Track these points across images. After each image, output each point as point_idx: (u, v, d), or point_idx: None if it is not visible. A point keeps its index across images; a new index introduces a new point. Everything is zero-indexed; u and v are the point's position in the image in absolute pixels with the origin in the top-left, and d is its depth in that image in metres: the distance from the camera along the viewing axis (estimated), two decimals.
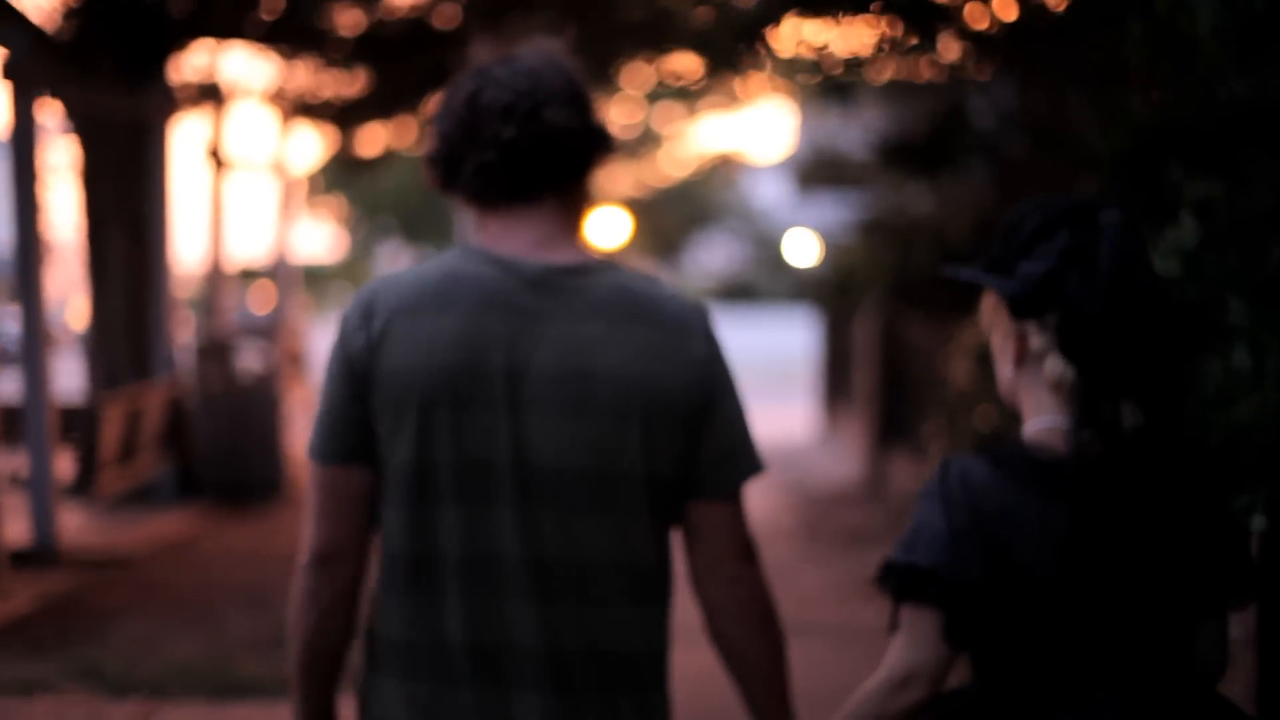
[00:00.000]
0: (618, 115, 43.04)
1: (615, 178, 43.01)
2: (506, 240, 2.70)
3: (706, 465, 2.71)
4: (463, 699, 2.65)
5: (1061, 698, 2.51)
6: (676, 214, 47.41)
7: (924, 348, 13.72)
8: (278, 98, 16.42)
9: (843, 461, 17.41)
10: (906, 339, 14.67)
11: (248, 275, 67.30)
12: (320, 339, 52.83)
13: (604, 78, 41.36)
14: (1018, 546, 2.47)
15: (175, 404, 14.06)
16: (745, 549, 2.77)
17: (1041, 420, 2.57)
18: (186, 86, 14.81)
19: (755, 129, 53.25)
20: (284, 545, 12.12)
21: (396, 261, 53.45)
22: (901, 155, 12.52)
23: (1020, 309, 2.54)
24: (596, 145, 2.74)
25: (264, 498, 14.19)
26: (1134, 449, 2.51)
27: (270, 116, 17.15)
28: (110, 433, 12.27)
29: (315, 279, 59.52)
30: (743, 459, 2.75)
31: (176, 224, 14.38)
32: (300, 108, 16.65)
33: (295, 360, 15.22)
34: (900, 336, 14.76)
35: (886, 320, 14.87)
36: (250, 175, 17.17)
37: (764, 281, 53.47)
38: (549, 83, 2.69)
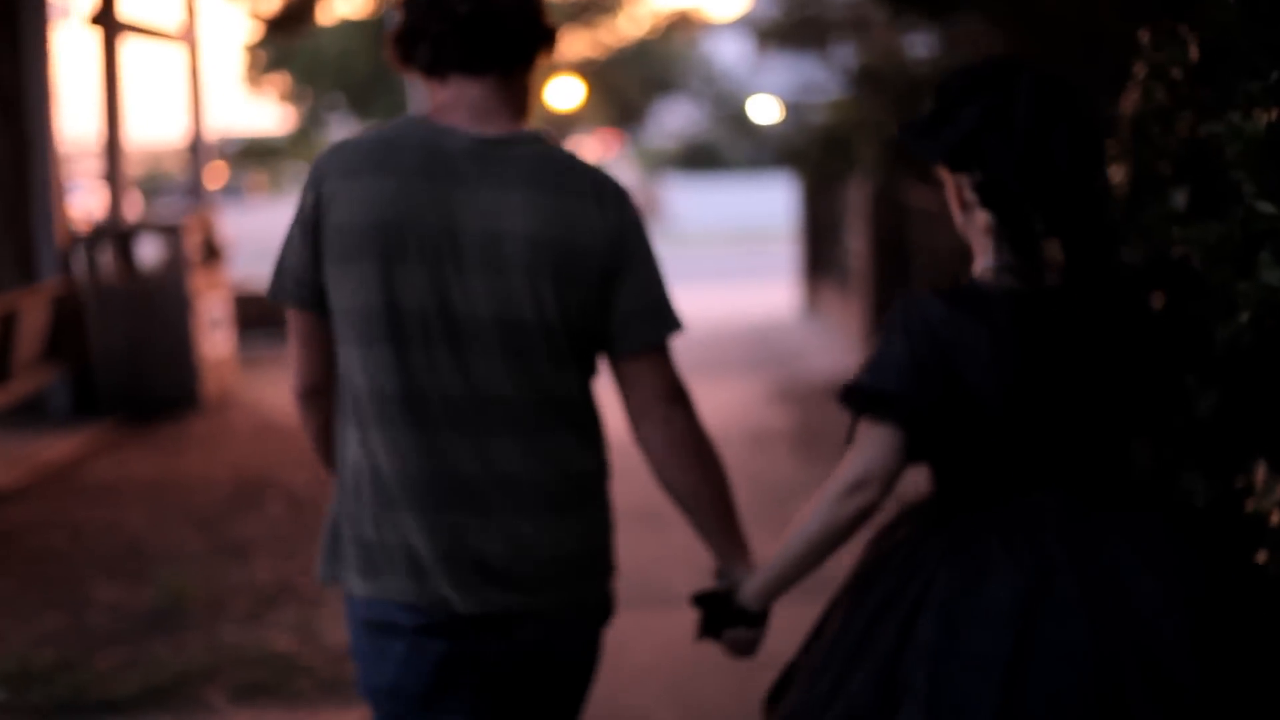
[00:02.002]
0: None
1: (571, 39, 41.31)
2: (449, 113, 2.98)
3: (625, 321, 2.98)
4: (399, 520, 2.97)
5: (1007, 496, 2.84)
6: (635, 76, 45.62)
7: (926, 211, 11.81)
8: None
9: (834, 346, 15.44)
10: (905, 203, 12.74)
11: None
12: (258, 222, 50.96)
13: None
14: (968, 370, 2.78)
15: (66, 306, 12.04)
16: (673, 393, 3.05)
17: (983, 260, 2.87)
18: None
19: None
20: (192, 471, 10.17)
21: (346, 133, 51.46)
22: None
23: (950, 165, 2.86)
24: (540, 36, 3.01)
25: (174, 414, 12.18)
26: (1060, 283, 2.83)
27: None
28: None
29: (266, 153, 57.60)
30: (661, 316, 3.01)
31: (61, 100, 12.27)
32: None
33: (214, 252, 13.09)
34: (898, 200, 12.82)
35: (882, 182, 12.89)
36: (157, 44, 14.97)
37: (726, 144, 51.52)
38: None
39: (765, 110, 56.54)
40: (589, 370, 3.05)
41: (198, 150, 15.97)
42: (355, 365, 2.96)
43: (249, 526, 8.66)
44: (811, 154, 15.08)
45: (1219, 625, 2.76)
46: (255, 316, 16.84)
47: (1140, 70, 3.89)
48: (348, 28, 41.02)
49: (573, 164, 2.97)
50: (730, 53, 61.13)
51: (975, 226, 2.88)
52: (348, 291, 2.93)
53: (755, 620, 3.04)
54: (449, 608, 2.96)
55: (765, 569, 2.98)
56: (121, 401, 12.18)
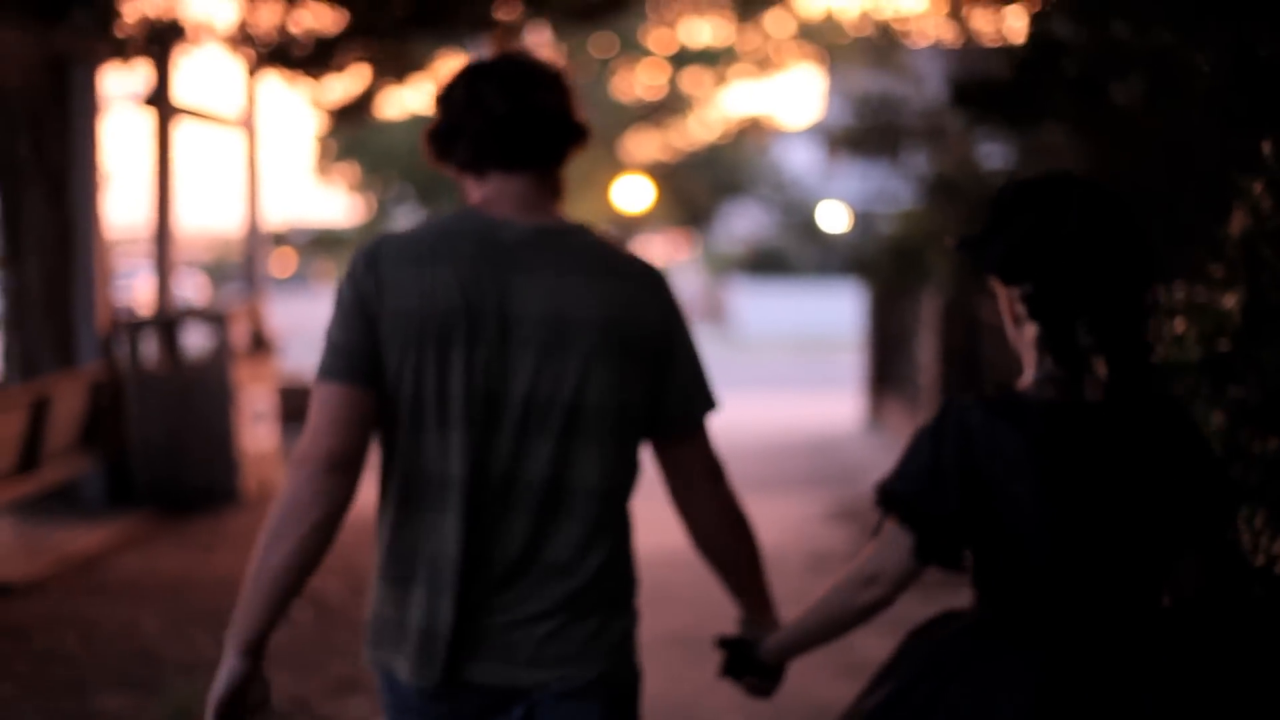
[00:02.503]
0: (644, 78, 41.47)
1: (641, 141, 41.08)
2: (496, 205, 3.06)
3: (672, 401, 3.12)
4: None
5: (1044, 621, 2.81)
6: (705, 180, 45.34)
7: (998, 325, 11.29)
8: (241, 40, 13.96)
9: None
10: (977, 316, 12.22)
11: (278, 239, 65.59)
12: (309, 313, 50.66)
13: (630, 42, 39.39)
14: (1002, 481, 2.78)
15: (105, 393, 11.65)
16: (713, 471, 3.21)
17: (1031, 372, 2.89)
18: (124, 21, 12.39)
19: (785, 94, 51.01)
20: (222, 570, 9.69)
21: (413, 224, 51.34)
22: (979, 98, 9.96)
23: (1001, 277, 2.89)
24: (575, 133, 3.12)
25: (211, 507, 11.73)
26: (1104, 399, 2.83)
27: (234, 63, 14.71)
28: (5, 430, 9.88)
29: (334, 243, 57.70)
30: (701, 396, 3.16)
31: (110, 183, 11.95)
32: (268, 53, 14.19)
33: (261, 343, 12.70)
34: (970, 313, 12.29)
35: (954, 294, 12.36)
36: (213, 128, 14.68)
37: (794, 251, 51.17)
38: (539, 73, 3.09)
39: (834, 218, 56.22)
40: (635, 454, 3.14)
41: (254, 238, 15.63)
42: (410, 449, 3.01)
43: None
44: (882, 264, 14.56)
45: None
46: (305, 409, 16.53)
47: (1258, 187, 3.43)
48: (418, 122, 40.97)
49: (621, 252, 3.11)
50: (800, 160, 60.91)
51: (1024, 338, 2.92)
52: (406, 377, 2.99)
53: (772, 674, 3.25)
54: (473, 682, 3.04)
55: (784, 633, 3.17)
56: (158, 493, 11.75)
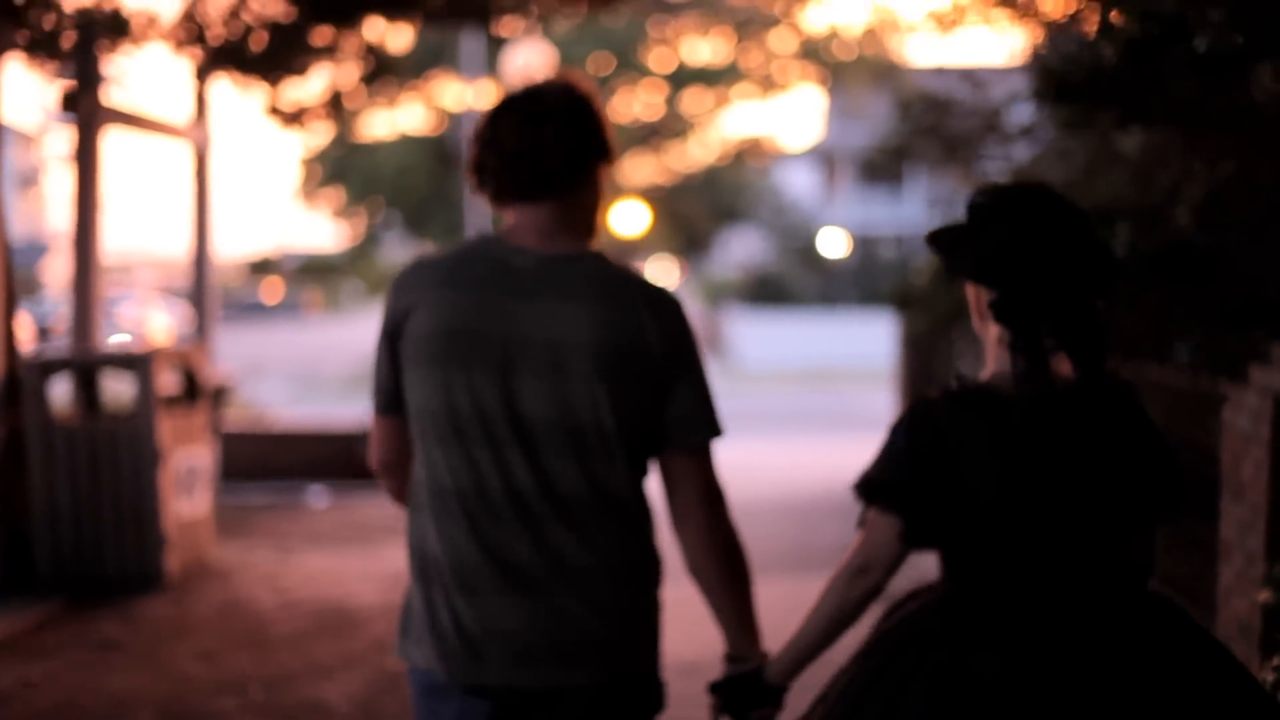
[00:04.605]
0: (643, 98, 39.50)
1: (638, 165, 39.13)
2: (519, 233, 3.21)
3: (674, 424, 3.18)
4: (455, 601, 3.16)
5: (1013, 600, 2.97)
6: (703, 204, 43.32)
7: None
8: (187, 36, 11.75)
9: None
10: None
11: (259, 268, 63.65)
12: (312, 340, 48.79)
13: (628, 61, 37.37)
14: (969, 467, 2.95)
15: (1, 448, 9.41)
16: (712, 497, 3.25)
17: (994, 366, 3.07)
18: (36, 11, 10.22)
19: (785, 115, 49.26)
20: (123, 682, 7.43)
21: (404, 251, 49.91)
22: (1083, 90, 7.70)
23: (972, 279, 3.08)
24: (592, 156, 3.24)
25: (127, 595, 9.45)
26: (1064, 392, 3.00)
27: (180, 64, 12.47)
28: None
29: (323, 270, 55.69)
30: (705, 420, 3.21)
31: (10, 197, 9.68)
32: (219, 50, 11.97)
33: (194, 391, 10.40)
34: None
35: None
36: (157, 139, 12.43)
37: (794, 277, 49.06)
38: (552, 102, 3.21)
39: (834, 243, 54.20)
40: (641, 469, 3.22)
41: (202, 264, 13.35)
42: (426, 460, 3.20)
43: None
44: (932, 294, 12.27)
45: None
46: (270, 460, 14.20)
47: None
48: (406, 144, 38.93)
49: (629, 278, 3.19)
50: (800, 183, 58.94)
51: (989, 335, 3.09)
52: (422, 393, 3.17)
53: (777, 698, 3.22)
54: (497, 681, 3.14)
55: (786, 650, 3.16)
56: (62, 577, 9.50)
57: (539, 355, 3.12)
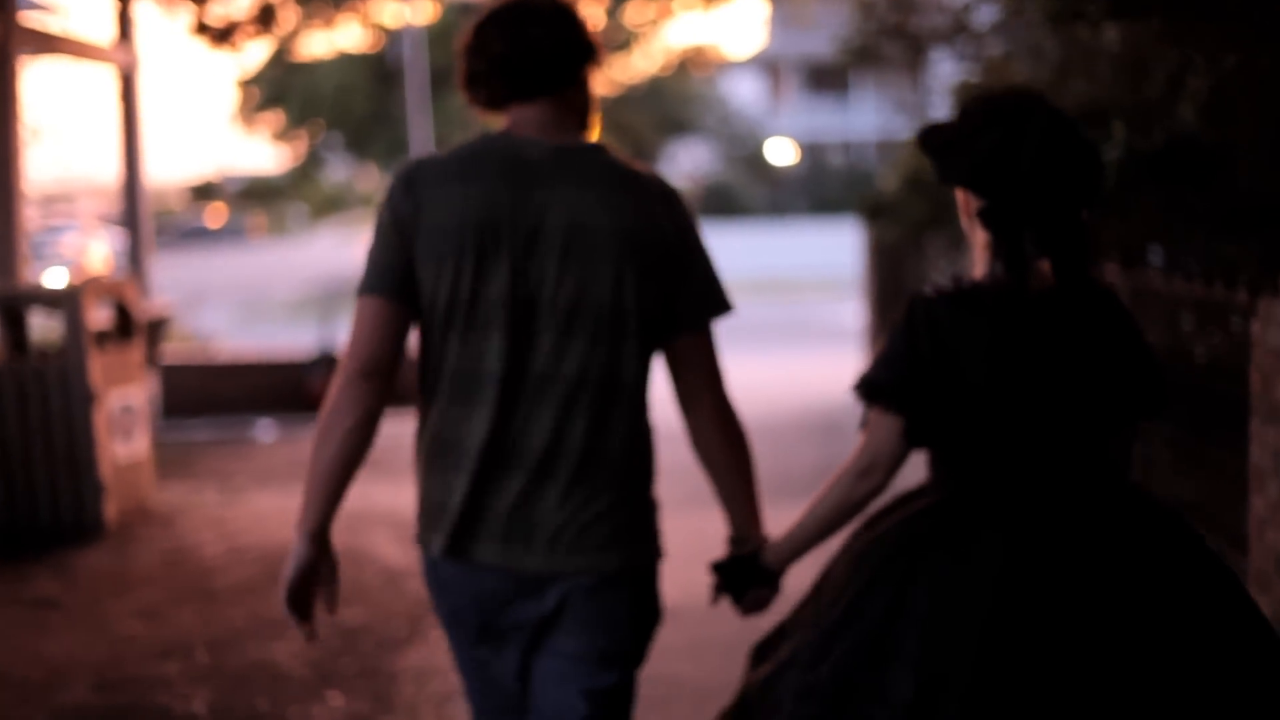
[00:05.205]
0: (584, 10, 38.57)
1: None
2: (520, 127, 3.28)
3: (683, 305, 3.28)
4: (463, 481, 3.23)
5: (999, 482, 3.05)
6: (648, 115, 42.60)
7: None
8: None
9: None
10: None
11: (201, 192, 62.78)
12: (259, 264, 48.09)
13: None
14: (965, 361, 3.01)
15: None
16: (718, 378, 3.35)
17: (982, 268, 3.11)
18: None
19: (728, 24, 48.71)
20: (63, 645, 6.87)
21: (346, 172, 49.04)
22: None
23: (962, 185, 3.12)
24: (579, 56, 3.30)
25: (63, 546, 8.86)
26: (1043, 294, 3.05)
27: None
28: None
29: (266, 193, 54.79)
30: (714, 298, 3.32)
31: None
32: None
33: (128, 328, 9.74)
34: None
35: None
36: (80, 63, 11.71)
37: (743, 188, 48.45)
38: (534, 8, 3.28)
39: (782, 152, 53.52)
40: (650, 353, 3.29)
41: (133, 191, 12.65)
42: (446, 349, 3.23)
43: None
44: (905, 203, 11.65)
45: (1190, 610, 2.98)
46: (214, 393, 13.59)
47: None
48: (344, 63, 38.03)
49: (638, 169, 3.29)
50: (746, 92, 58.17)
51: (977, 238, 3.14)
52: (444, 285, 3.18)
53: (774, 580, 3.34)
54: (501, 563, 3.22)
55: (786, 537, 3.25)
56: None
57: (563, 240, 3.18)
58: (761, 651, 3.30)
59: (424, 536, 3.30)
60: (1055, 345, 3.03)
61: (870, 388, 3.06)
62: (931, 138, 3.16)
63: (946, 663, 2.90)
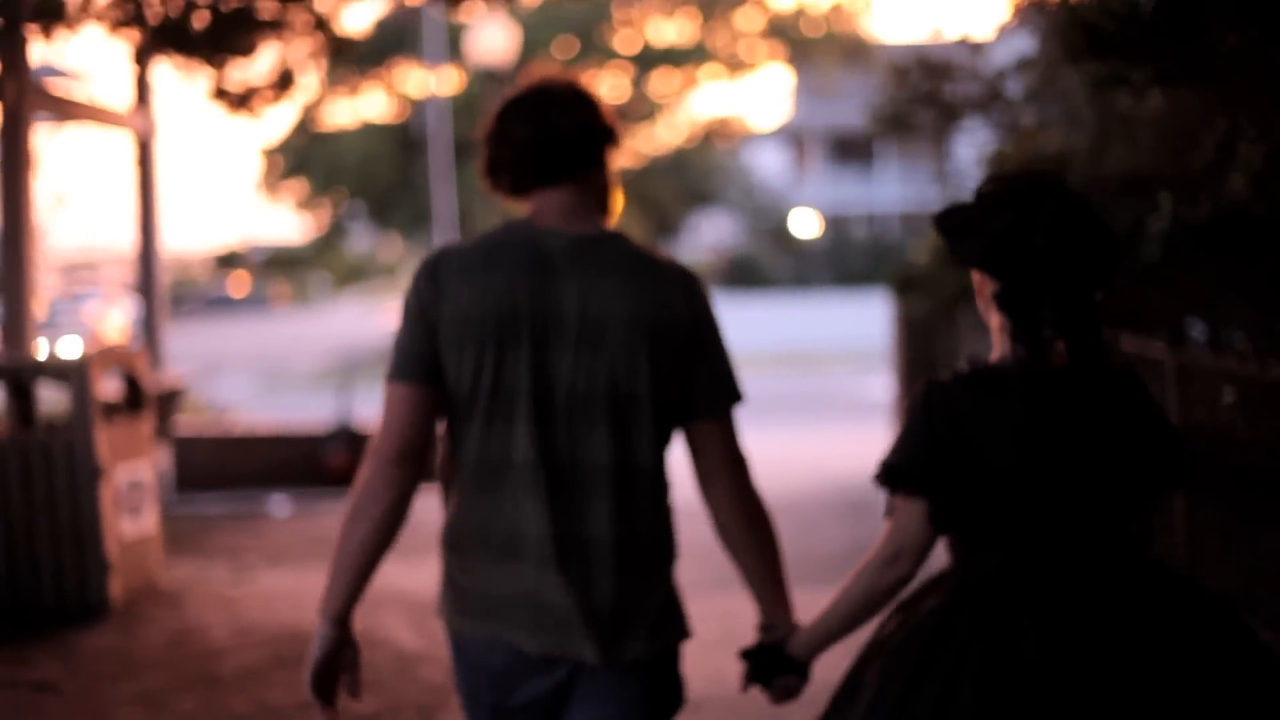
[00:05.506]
0: (609, 81, 38.57)
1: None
2: (542, 215, 3.33)
3: (699, 392, 3.32)
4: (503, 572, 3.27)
5: (1025, 565, 3.03)
6: (672, 187, 42.45)
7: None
8: (121, 15, 10.81)
9: None
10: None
11: (225, 261, 62.84)
12: (283, 333, 48.03)
13: (593, 44, 36.45)
14: (986, 444, 3.01)
15: None
16: (736, 459, 3.38)
17: (999, 350, 3.13)
18: None
19: (753, 95, 48.93)
20: None
21: (369, 242, 48.87)
22: (1115, 42, 6.78)
23: (977, 267, 3.14)
24: (600, 140, 3.37)
25: (66, 627, 8.50)
26: (1060, 373, 3.07)
27: (118, 48, 11.54)
28: None
29: (289, 262, 54.73)
30: (729, 388, 3.36)
31: None
32: (159, 28, 11.03)
33: (138, 400, 9.44)
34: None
35: None
36: (96, 128, 11.51)
37: (767, 259, 48.24)
38: (555, 95, 3.35)
39: (806, 224, 53.35)
40: (667, 441, 3.32)
41: (148, 260, 12.40)
42: (469, 438, 3.27)
43: None
44: (938, 277, 11.32)
45: (1237, 692, 2.96)
46: (228, 466, 13.30)
47: None
48: (369, 132, 38.00)
49: (656, 257, 3.36)
50: (770, 163, 58.04)
51: (994, 320, 3.15)
52: (466, 374, 3.25)
53: (803, 670, 3.30)
54: (519, 648, 3.24)
55: (813, 626, 3.22)
56: None
57: (579, 330, 3.23)
58: None
59: (451, 621, 3.33)
60: (1075, 424, 3.04)
61: (892, 473, 3.07)
62: (948, 219, 3.18)
63: None
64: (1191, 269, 6.91)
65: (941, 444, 3.02)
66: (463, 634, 3.30)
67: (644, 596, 3.27)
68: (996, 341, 3.14)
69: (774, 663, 3.31)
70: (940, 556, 3.16)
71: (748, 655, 3.36)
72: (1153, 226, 6.89)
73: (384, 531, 3.25)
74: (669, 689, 3.35)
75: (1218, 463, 6.75)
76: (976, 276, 3.16)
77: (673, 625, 3.34)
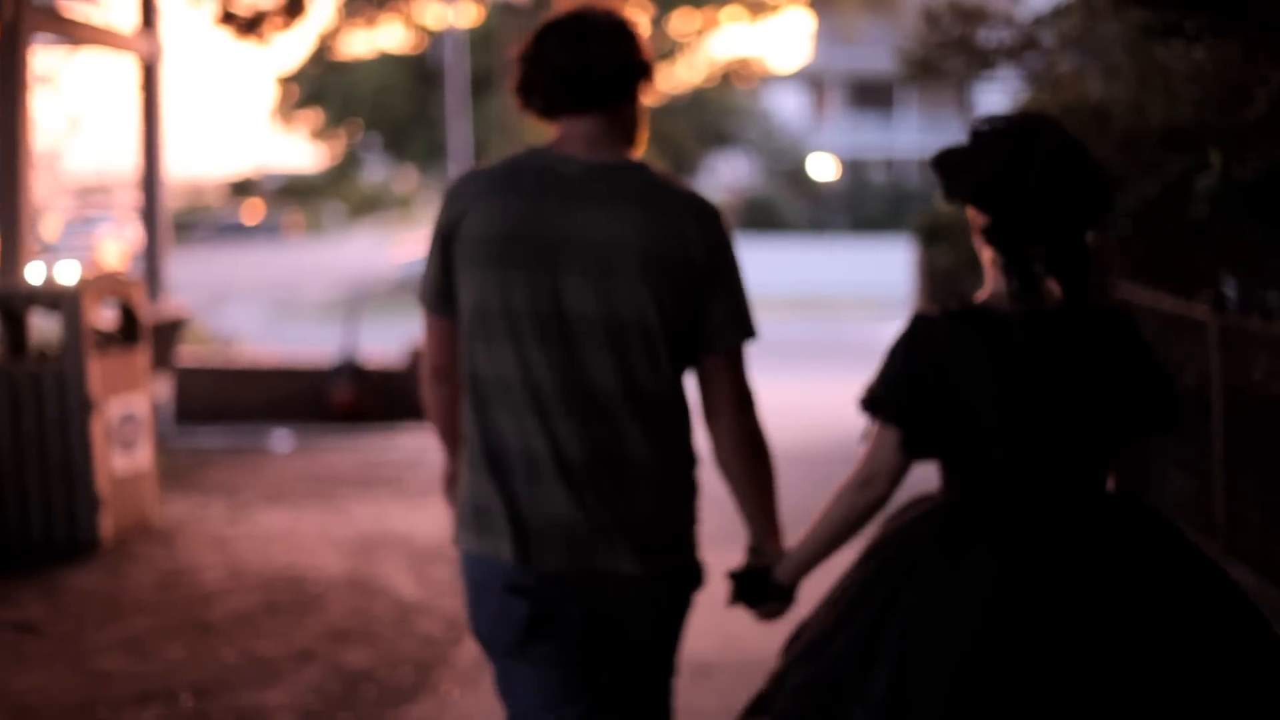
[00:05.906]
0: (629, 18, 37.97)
1: None
2: (566, 144, 3.36)
3: (710, 325, 3.32)
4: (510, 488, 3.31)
5: (1001, 493, 3.11)
6: (690, 127, 41.97)
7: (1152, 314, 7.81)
8: None
9: None
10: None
11: (240, 188, 62.44)
12: (293, 262, 47.95)
13: None
14: (963, 381, 3.07)
15: None
16: (743, 397, 3.38)
17: (991, 286, 3.17)
18: None
19: (773, 38, 48.36)
20: (37, 679, 6.25)
21: (383, 173, 48.45)
22: None
23: (971, 204, 3.17)
24: (636, 73, 3.36)
25: (53, 564, 8.20)
26: (1054, 311, 3.12)
27: None
28: None
29: (304, 191, 54.31)
30: (741, 322, 3.34)
31: None
32: None
33: (133, 332, 9.09)
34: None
35: None
36: (98, 51, 11.13)
37: (784, 203, 47.76)
38: (596, 24, 3.32)
39: (823, 168, 52.83)
40: (680, 369, 3.34)
41: (152, 187, 12.04)
42: (477, 358, 3.32)
43: None
44: (954, 225, 10.92)
45: (1185, 621, 3.01)
46: (230, 399, 12.97)
47: None
48: (385, 63, 37.52)
49: (675, 187, 3.33)
50: (789, 107, 57.46)
51: (985, 256, 3.19)
52: (480, 294, 3.28)
53: (787, 595, 3.38)
54: (539, 567, 3.28)
55: (795, 553, 3.31)
56: None
57: (588, 256, 3.24)
58: (788, 648, 3.32)
59: (463, 539, 3.39)
60: (1059, 364, 3.10)
61: (871, 401, 3.17)
62: (943, 158, 3.21)
63: (928, 666, 2.96)
64: (1240, 229, 6.53)
65: (918, 378, 3.10)
66: (465, 550, 3.37)
67: (651, 513, 3.30)
68: (988, 277, 3.19)
69: (760, 586, 3.37)
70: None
71: (735, 577, 3.40)
72: (1200, 184, 6.52)
73: (448, 425, 3.53)
74: (671, 612, 3.41)
75: (1259, 432, 6.41)
76: (971, 212, 3.19)
77: (674, 552, 3.37)
